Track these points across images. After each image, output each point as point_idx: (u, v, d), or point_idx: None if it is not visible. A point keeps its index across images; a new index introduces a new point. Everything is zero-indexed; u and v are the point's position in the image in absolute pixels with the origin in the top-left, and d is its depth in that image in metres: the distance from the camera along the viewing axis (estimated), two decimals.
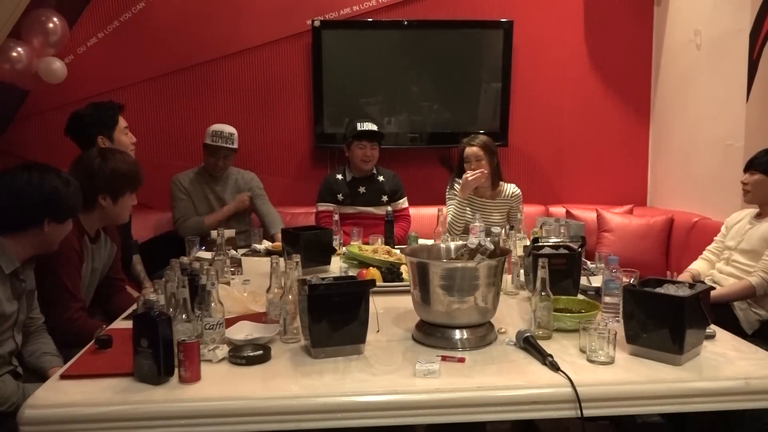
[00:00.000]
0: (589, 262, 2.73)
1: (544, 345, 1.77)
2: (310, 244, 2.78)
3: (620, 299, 1.97)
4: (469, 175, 3.40)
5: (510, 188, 3.58)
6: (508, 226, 3.12)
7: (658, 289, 1.79)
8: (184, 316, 1.75)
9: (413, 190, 4.07)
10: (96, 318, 2.37)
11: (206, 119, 4.13)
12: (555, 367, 1.65)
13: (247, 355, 1.74)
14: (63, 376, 1.65)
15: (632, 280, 2.13)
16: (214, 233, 2.89)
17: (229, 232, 3.10)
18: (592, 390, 1.57)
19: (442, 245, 2.13)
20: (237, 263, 2.80)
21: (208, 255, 2.81)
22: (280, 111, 4.58)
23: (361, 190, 3.74)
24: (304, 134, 4.60)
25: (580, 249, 2.34)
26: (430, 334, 1.89)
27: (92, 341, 1.87)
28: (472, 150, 3.48)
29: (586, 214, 4.35)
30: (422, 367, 1.64)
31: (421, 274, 1.87)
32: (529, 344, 1.78)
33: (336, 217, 3.36)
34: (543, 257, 1.99)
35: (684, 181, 4.36)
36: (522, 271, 2.43)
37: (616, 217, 4.27)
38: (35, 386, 1.67)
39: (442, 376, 1.64)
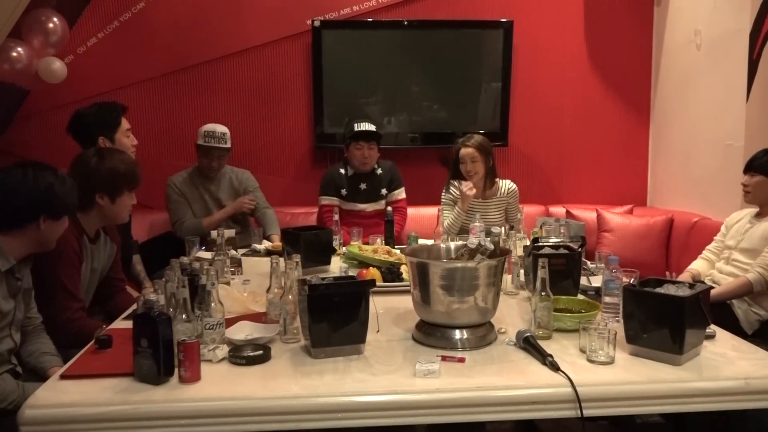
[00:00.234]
0: (589, 262, 2.73)
1: (544, 345, 1.77)
2: (310, 244, 2.78)
3: (620, 299, 1.97)
4: (465, 188, 3.40)
5: (505, 184, 3.59)
6: (508, 226, 3.12)
7: (658, 289, 1.79)
8: (184, 316, 1.75)
9: (413, 190, 4.07)
10: (96, 318, 2.37)
11: (206, 119, 4.12)
12: (555, 367, 1.65)
13: (247, 355, 1.74)
14: (63, 376, 1.65)
15: (632, 280, 2.13)
16: (214, 233, 2.89)
17: (229, 232, 3.10)
18: (592, 390, 1.57)
19: (442, 245, 2.13)
20: (237, 263, 2.80)
21: (208, 255, 2.81)
22: (280, 111, 4.58)
23: (362, 186, 3.75)
24: (304, 134, 4.60)
25: (580, 249, 2.34)
26: (430, 334, 1.89)
27: (92, 341, 1.87)
28: (467, 151, 3.48)
29: (586, 214, 4.35)
30: (422, 367, 1.64)
31: (421, 274, 1.87)
32: (529, 344, 1.78)
33: (336, 217, 3.36)
34: (543, 257, 1.99)
35: (684, 181, 4.36)
36: (522, 271, 2.43)
37: (616, 217, 4.27)
38: (35, 385, 1.67)
39: (442, 376, 1.64)
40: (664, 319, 1.69)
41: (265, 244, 3.28)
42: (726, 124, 3.80)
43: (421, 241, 3.02)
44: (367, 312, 1.80)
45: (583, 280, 2.40)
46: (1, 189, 1.96)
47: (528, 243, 2.59)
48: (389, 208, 3.51)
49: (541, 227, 3.08)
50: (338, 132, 4.34)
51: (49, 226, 2.01)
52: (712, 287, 1.95)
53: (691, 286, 1.80)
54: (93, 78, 4.34)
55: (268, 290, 2.07)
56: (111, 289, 2.59)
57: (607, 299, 2.04)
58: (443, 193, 3.66)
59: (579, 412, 1.54)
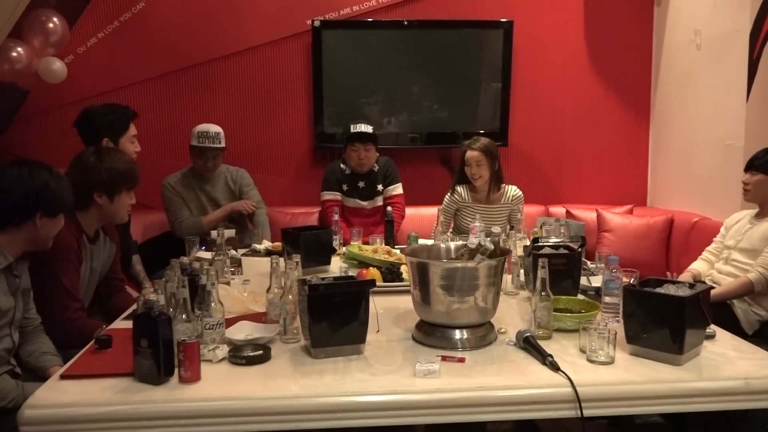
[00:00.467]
0: (589, 262, 2.73)
1: (544, 345, 1.77)
2: (310, 244, 2.78)
3: (620, 299, 1.97)
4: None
5: (510, 190, 3.57)
6: (508, 226, 3.12)
7: (658, 289, 1.79)
8: (184, 316, 1.75)
9: (413, 190, 4.08)
10: (96, 318, 2.36)
11: (206, 119, 4.13)
12: (555, 367, 1.65)
13: (247, 355, 1.74)
14: (63, 376, 1.65)
15: (632, 280, 2.13)
16: (214, 233, 2.89)
17: (229, 232, 3.10)
18: (592, 390, 1.57)
19: (442, 245, 2.13)
20: (237, 263, 2.80)
21: (208, 255, 2.81)
22: (280, 111, 4.58)
23: (361, 184, 3.77)
24: (304, 134, 4.60)
25: (580, 249, 2.34)
26: (430, 334, 1.89)
27: (92, 341, 1.87)
28: (472, 154, 3.47)
29: (586, 214, 4.35)
30: (422, 367, 1.64)
31: (421, 274, 1.87)
32: (529, 344, 1.78)
33: (336, 216, 3.36)
34: (543, 257, 1.99)
35: (684, 181, 4.36)
36: (522, 271, 2.43)
37: (616, 217, 4.27)
38: (35, 384, 1.67)
39: (442, 376, 1.63)
40: (664, 319, 1.69)
41: (265, 244, 3.27)
42: (726, 124, 3.80)
43: (421, 241, 3.02)
44: (367, 312, 1.79)
45: (583, 280, 2.40)
46: None
47: (528, 243, 2.59)
48: (389, 208, 3.51)
49: (541, 227, 3.08)
50: (338, 132, 4.34)
51: (45, 223, 2.01)
52: (713, 287, 1.95)
53: (691, 286, 1.80)
54: (93, 78, 4.34)
55: (268, 290, 2.07)
56: (110, 289, 2.59)
57: (607, 299, 2.04)
58: (447, 195, 3.64)
59: (579, 412, 1.54)
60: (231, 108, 4.51)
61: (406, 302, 2.06)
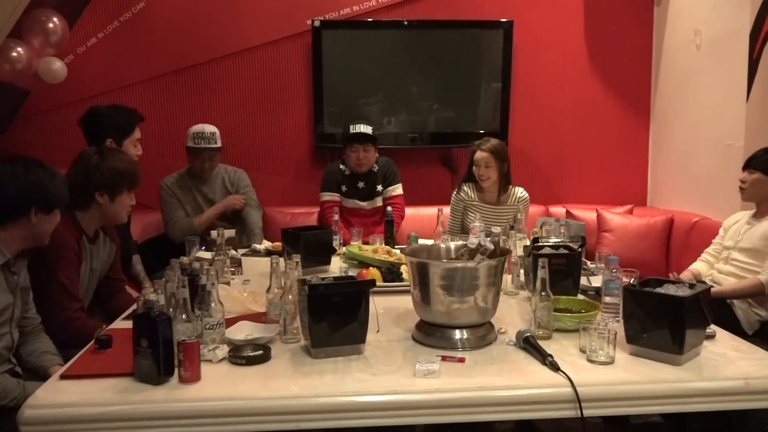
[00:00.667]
0: (589, 262, 2.73)
1: (544, 345, 1.77)
2: (310, 244, 2.78)
3: (620, 299, 1.97)
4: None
5: (517, 192, 3.57)
6: (508, 226, 3.12)
7: (658, 289, 1.79)
8: (184, 316, 1.75)
9: (413, 190, 4.08)
10: (96, 318, 2.37)
11: (206, 119, 4.13)
12: (555, 367, 1.65)
13: (247, 355, 1.74)
14: (63, 376, 1.65)
15: (632, 280, 2.13)
16: (214, 233, 2.89)
17: (229, 232, 3.10)
18: (592, 390, 1.57)
19: (442, 245, 2.13)
20: (237, 263, 2.80)
21: (208, 255, 2.81)
22: (280, 111, 4.58)
23: (360, 185, 3.76)
24: (304, 134, 4.60)
25: (580, 249, 2.34)
26: (430, 334, 1.89)
27: (92, 341, 1.87)
28: (482, 155, 3.46)
29: (586, 214, 4.35)
30: (422, 367, 1.64)
31: (421, 274, 1.87)
32: (529, 344, 1.78)
33: (336, 216, 3.36)
34: (543, 257, 1.99)
35: (684, 181, 4.35)
36: (522, 271, 2.43)
37: (616, 217, 4.27)
38: (36, 383, 1.67)
39: (442, 376, 1.64)
40: (664, 319, 1.69)
41: (266, 244, 3.27)
42: (726, 124, 3.80)
43: (421, 241, 3.02)
44: (367, 312, 1.80)
45: (583, 280, 2.40)
46: None
47: (528, 243, 2.59)
48: (389, 208, 3.51)
49: (541, 227, 3.08)
50: (338, 132, 4.34)
51: (41, 219, 2.01)
52: (712, 287, 1.95)
53: (691, 286, 1.80)
54: (93, 78, 4.34)
55: (268, 290, 2.07)
56: (110, 289, 2.59)
57: (607, 299, 2.04)
58: (454, 193, 3.65)
59: (579, 412, 1.54)
60: (231, 108, 4.51)
61: (406, 302, 2.06)
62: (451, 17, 4.51)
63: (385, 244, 3.13)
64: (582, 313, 2.01)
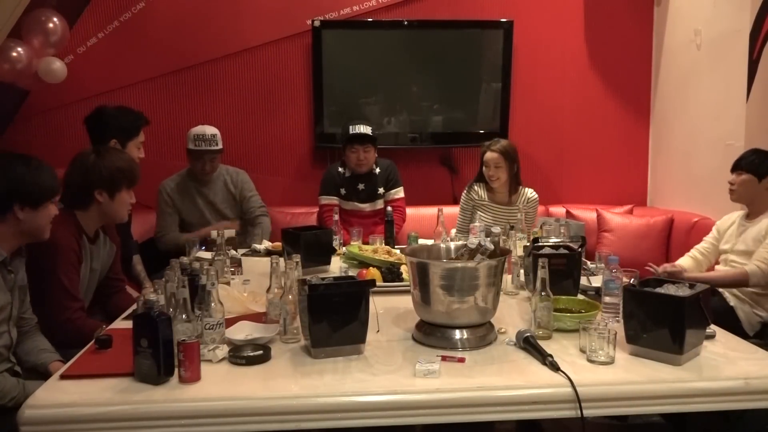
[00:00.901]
0: (589, 262, 2.73)
1: (544, 345, 1.77)
2: (310, 244, 2.78)
3: (620, 299, 1.97)
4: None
5: (526, 193, 3.59)
6: (508, 226, 3.12)
7: (658, 289, 1.79)
8: (184, 316, 1.75)
9: (413, 190, 4.08)
10: (96, 318, 2.37)
11: (206, 119, 4.12)
12: (555, 367, 1.65)
13: (247, 355, 1.74)
14: (63, 376, 1.65)
15: (632, 280, 2.13)
16: (214, 233, 2.89)
17: (229, 232, 3.09)
18: (592, 390, 1.57)
19: (442, 245, 2.13)
20: (237, 263, 2.80)
21: (208, 255, 2.81)
22: (280, 111, 4.58)
23: (360, 186, 3.76)
24: (304, 134, 4.60)
25: (580, 249, 2.34)
26: (430, 334, 1.89)
27: (92, 341, 1.87)
28: (492, 156, 3.47)
29: (586, 214, 4.35)
30: (422, 367, 1.64)
31: (421, 274, 1.87)
32: (529, 344, 1.78)
33: (336, 217, 3.36)
34: (543, 257, 1.99)
35: (684, 181, 4.35)
36: (522, 271, 2.43)
37: (616, 217, 4.27)
38: (36, 383, 1.67)
39: (442, 376, 1.64)
40: (664, 319, 1.69)
41: (265, 244, 3.27)
42: (726, 124, 3.80)
43: (421, 241, 3.02)
44: (367, 312, 1.80)
45: (583, 280, 2.40)
46: None
47: (528, 243, 2.59)
48: (389, 208, 3.51)
49: (541, 227, 3.08)
50: (338, 132, 4.34)
51: (29, 214, 1.98)
52: (710, 287, 1.94)
53: (691, 286, 1.80)
54: (93, 78, 4.34)
55: (268, 290, 2.07)
56: (110, 289, 2.59)
57: (607, 299, 2.04)
58: (464, 192, 3.66)
59: (579, 412, 1.54)
60: (231, 108, 4.51)
61: (406, 302, 2.06)
62: (451, 17, 4.51)
63: (385, 244, 3.13)
64: (582, 313, 2.01)
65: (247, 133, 4.53)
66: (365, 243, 3.18)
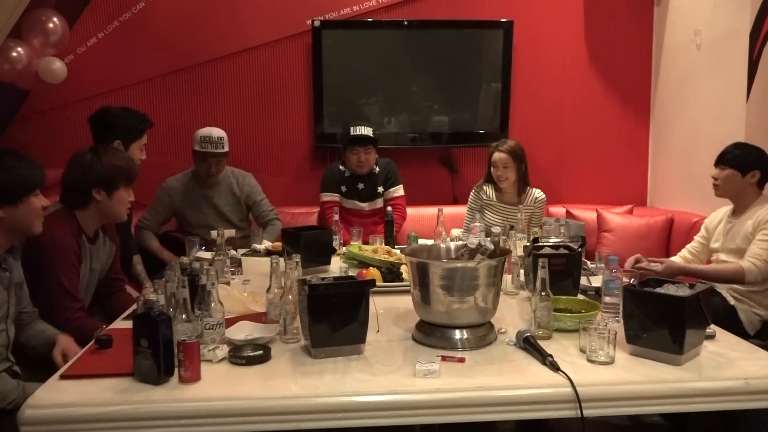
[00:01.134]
0: (589, 262, 2.73)
1: (544, 345, 1.77)
2: (310, 244, 2.78)
3: (620, 299, 1.97)
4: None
5: (534, 193, 3.62)
6: (508, 226, 3.12)
7: (658, 289, 1.79)
8: (184, 316, 1.75)
9: (413, 190, 4.07)
10: (96, 318, 2.37)
11: (206, 119, 4.13)
12: (555, 367, 1.65)
13: (247, 355, 1.74)
14: (63, 376, 1.65)
15: (632, 280, 2.13)
16: (213, 233, 2.89)
17: (229, 232, 3.09)
18: (592, 390, 1.57)
19: (442, 245, 2.13)
20: (237, 263, 2.80)
21: (208, 255, 2.81)
22: (280, 111, 4.58)
23: (360, 186, 3.76)
24: (304, 134, 4.60)
25: (580, 249, 2.34)
26: (430, 334, 1.89)
27: (92, 341, 1.87)
28: (500, 156, 3.50)
29: (586, 214, 4.35)
30: (422, 367, 1.64)
31: (421, 274, 1.87)
32: (529, 344, 1.78)
33: (336, 217, 3.36)
34: (543, 257, 1.99)
35: (684, 181, 4.35)
36: (522, 271, 2.43)
37: (616, 217, 4.27)
38: (35, 384, 1.67)
39: (442, 376, 1.64)
40: (664, 319, 1.69)
41: (266, 244, 3.27)
42: (726, 124, 3.80)
43: (421, 241, 3.02)
44: (367, 312, 1.80)
45: (583, 280, 2.40)
46: None
47: (528, 243, 2.59)
48: (389, 208, 3.51)
49: (541, 227, 3.08)
50: (338, 132, 4.34)
51: (9, 211, 1.95)
52: (710, 287, 1.94)
53: (691, 286, 1.80)
54: (93, 78, 4.34)
55: (268, 290, 2.07)
56: (110, 289, 2.59)
57: (607, 299, 2.04)
58: (473, 191, 3.69)
59: (579, 412, 1.54)
60: (231, 108, 4.51)
61: (406, 302, 2.06)
62: (451, 17, 4.51)
63: (385, 244, 3.13)
64: (582, 313, 2.01)
65: (247, 133, 4.53)
66: (365, 243, 3.18)
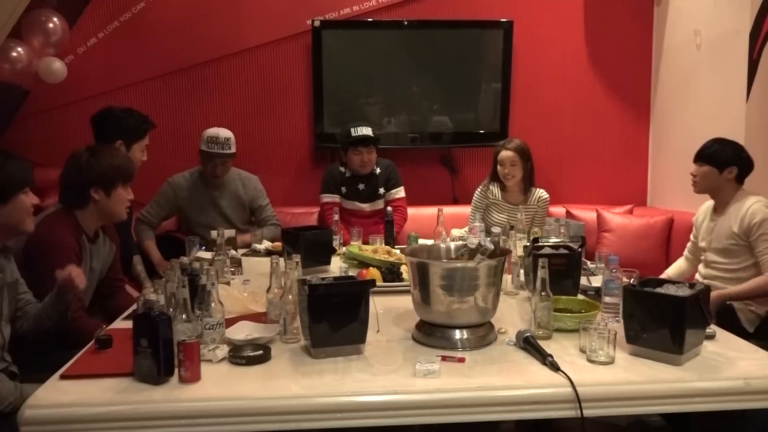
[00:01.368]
0: (589, 262, 2.73)
1: (544, 345, 1.77)
2: (310, 244, 2.78)
3: (620, 299, 1.97)
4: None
5: (537, 193, 3.64)
6: (508, 226, 3.12)
7: (658, 289, 1.79)
8: (184, 316, 1.75)
9: (413, 190, 4.07)
10: (96, 318, 2.36)
11: (206, 119, 4.13)
12: (555, 367, 1.65)
13: (247, 355, 1.74)
14: (63, 376, 1.65)
15: (632, 280, 2.13)
16: (213, 233, 2.89)
17: (229, 232, 3.09)
18: (592, 390, 1.57)
19: (442, 245, 2.13)
20: (237, 263, 2.80)
21: (208, 255, 2.81)
22: (280, 111, 4.58)
23: (361, 186, 3.76)
24: (304, 134, 4.60)
25: (580, 249, 2.34)
26: (430, 334, 1.89)
27: (92, 341, 1.87)
28: (507, 154, 3.52)
29: (586, 214, 4.34)
30: (422, 367, 1.64)
31: (421, 274, 1.87)
32: (529, 344, 1.78)
33: (336, 217, 3.36)
34: (543, 257, 1.99)
35: (684, 181, 4.31)
36: (522, 271, 2.43)
37: (616, 217, 4.27)
38: (33, 386, 1.67)
39: (442, 376, 1.64)
40: (664, 319, 1.69)
41: (266, 244, 3.27)
42: (726, 124, 3.80)
43: (421, 241, 3.02)
44: (367, 312, 1.80)
45: (583, 280, 2.40)
46: None
47: (528, 243, 2.59)
48: (389, 208, 3.51)
49: (541, 227, 3.08)
50: (338, 132, 4.34)
51: None
52: (709, 287, 1.93)
53: (691, 286, 1.80)
54: (93, 78, 4.34)
55: (268, 290, 2.07)
56: (110, 289, 2.59)
57: (607, 299, 2.04)
58: (478, 190, 3.70)
59: (579, 412, 1.54)
60: (231, 108, 4.51)
61: (406, 302, 2.06)
62: (451, 17, 4.51)
63: (385, 244, 3.13)
64: (582, 313, 2.01)
65: (247, 132, 4.52)
66: (365, 243, 3.18)
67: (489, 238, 2.23)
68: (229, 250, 2.85)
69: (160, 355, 1.58)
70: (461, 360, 1.74)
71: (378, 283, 2.35)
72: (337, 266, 2.76)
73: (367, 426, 1.55)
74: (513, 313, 2.21)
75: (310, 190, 4.18)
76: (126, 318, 2.13)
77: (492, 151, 3.73)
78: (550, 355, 1.69)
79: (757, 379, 1.62)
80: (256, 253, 3.21)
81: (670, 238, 4.07)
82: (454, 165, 4.67)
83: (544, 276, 1.89)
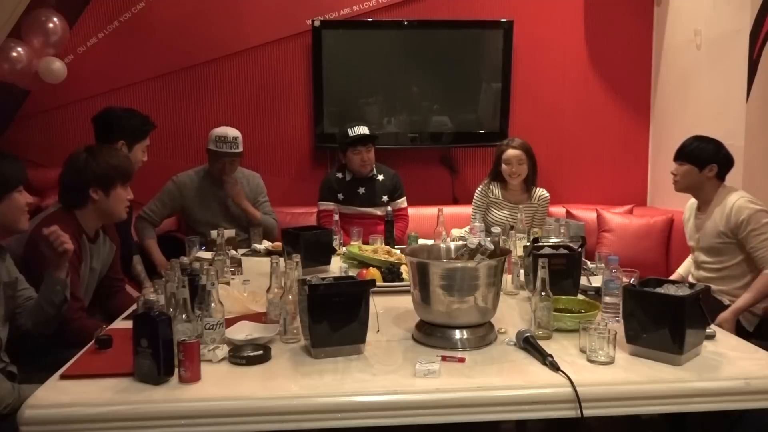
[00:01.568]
0: (589, 262, 2.73)
1: (544, 345, 1.77)
2: (310, 244, 2.78)
3: (620, 299, 1.97)
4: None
5: (538, 192, 3.64)
6: (508, 226, 3.12)
7: (658, 289, 1.79)
8: (184, 316, 1.75)
9: (413, 190, 4.07)
10: (96, 318, 2.37)
11: (206, 119, 4.13)
12: (555, 367, 1.65)
13: (247, 355, 1.74)
14: (63, 376, 1.65)
15: (632, 280, 2.13)
16: (213, 233, 2.89)
17: (229, 232, 3.10)
18: (592, 390, 1.57)
19: (442, 245, 2.13)
20: (237, 263, 2.80)
21: (208, 255, 2.81)
22: (280, 111, 4.58)
23: (361, 190, 3.75)
24: (304, 134, 4.60)
25: (580, 249, 2.34)
26: (430, 334, 1.89)
27: (92, 341, 1.87)
28: (515, 152, 3.52)
29: (586, 214, 4.34)
30: (422, 367, 1.64)
31: (421, 274, 1.87)
32: (529, 344, 1.78)
33: (336, 217, 3.36)
34: (543, 257, 1.99)
35: None
36: (522, 271, 2.43)
37: (616, 217, 4.26)
38: (32, 387, 1.67)
39: (442, 376, 1.64)
40: (664, 319, 1.69)
41: (266, 244, 3.27)
42: (726, 124, 3.80)
43: (421, 241, 3.02)
44: (367, 312, 1.80)
45: (583, 280, 2.40)
46: None
47: (528, 243, 2.59)
48: (389, 209, 3.51)
49: (541, 227, 3.08)
50: (338, 132, 4.34)
51: None
52: (709, 287, 1.92)
53: (691, 286, 1.80)
54: (93, 78, 4.34)
55: (268, 290, 2.07)
56: (110, 289, 2.60)
57: (607, 299, 2.04)
58: (478, 189, 3.69)
59: (579, 412, 1.54)
60: (231, 108, 4.50)
61: (406, 302, 2.06)
62: (451, 17, 4.51)
63: (385, 244, 3.13)
64: (582, 313, 2.01)
65: (247, 132, 4.49)
66: (365, 243, 3.18)
67: (489, 238, 2.23)
68: (229, 250, 2.85)
69: (160, 355, 1.58)
70: (461, 360, 1.74)
71: (378, 283, 2.35)
72: (337, 266, 2.76)
73: (367, 426, 1.55)
74: (513, 313, 2.21)
75: (310, 190, 4.18)
76: (126, 318, 2.14)
77: (492, 151, 3.73)
78: (550, 355, 1.69)
79: (757, 379, 1.62)
80: (256, 253, 3.21)
81: (670, 238, 4.07)
82: (454, 165, 4.67)
83: (544, 276, 1.90)
